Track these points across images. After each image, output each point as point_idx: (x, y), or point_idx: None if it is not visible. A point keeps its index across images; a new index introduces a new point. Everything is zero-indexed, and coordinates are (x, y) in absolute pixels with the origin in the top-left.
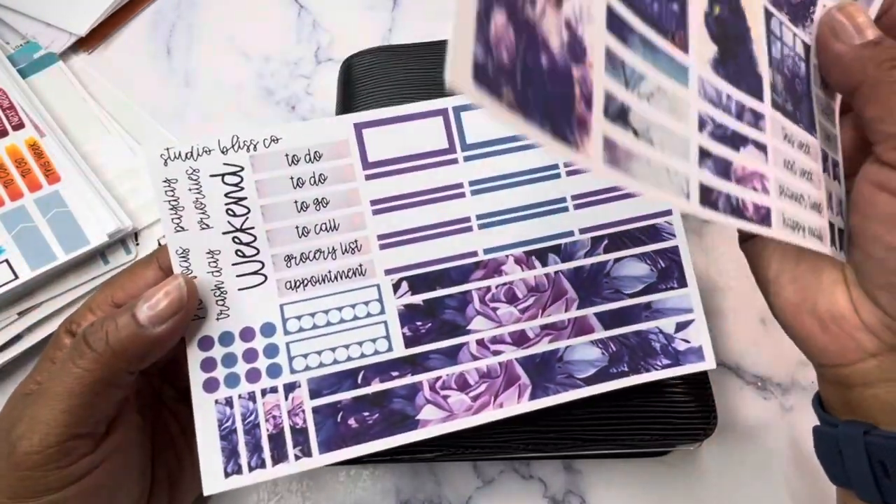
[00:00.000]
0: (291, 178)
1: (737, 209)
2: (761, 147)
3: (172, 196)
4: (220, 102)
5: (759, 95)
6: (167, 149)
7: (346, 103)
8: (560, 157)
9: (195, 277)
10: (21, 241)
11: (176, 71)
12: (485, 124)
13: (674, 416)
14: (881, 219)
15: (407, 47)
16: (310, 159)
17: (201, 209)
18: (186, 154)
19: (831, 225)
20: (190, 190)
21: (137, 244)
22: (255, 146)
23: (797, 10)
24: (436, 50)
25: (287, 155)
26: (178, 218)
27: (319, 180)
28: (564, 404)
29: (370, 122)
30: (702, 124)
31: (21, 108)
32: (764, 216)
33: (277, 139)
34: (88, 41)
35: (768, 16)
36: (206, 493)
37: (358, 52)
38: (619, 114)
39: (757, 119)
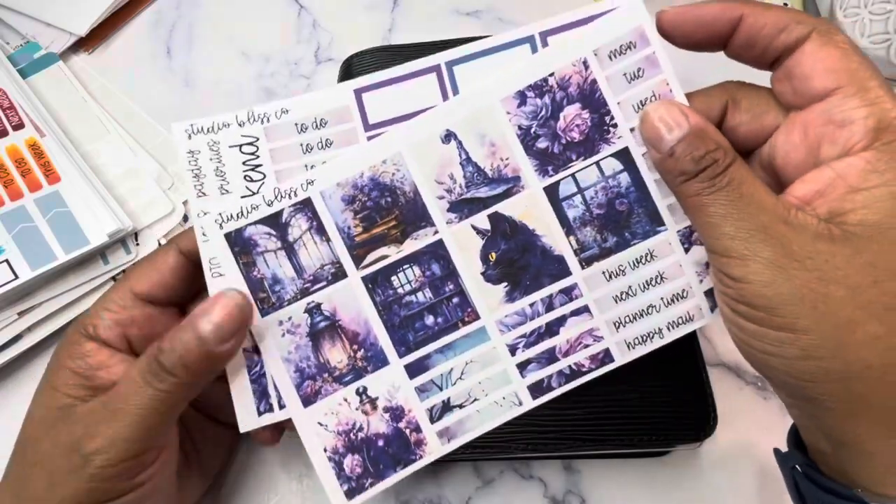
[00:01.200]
0: (301, 145)
1: (574, 373)
2: (582, 310)
3: (195, 165)
4: (220, 102)
5: (564, 273)
6: (191, 124)
7: None
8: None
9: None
10: (21, 241)
11: (176, 71)
12: (478, 75)
13: (674, 416)
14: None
15: (407, 47)
16: (316, 126)
17: (221, 176)
18: (208, 128)
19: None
20: (211, 160)
21: (137, 244)
22: (267, 118)
23: (586, 144)
24: (436, 50)
25: (296, 124)
26: (201, 185)
27: (326, 145)
28: (565, 404)
29: (368, 86)
30: (513, 350)
31: (21, 108)
32: (603, 358)
33: (287, 110)
34: (88, 41)
35: (552, 190)
36: (241, 430)
37: (358, 52)
38: (442, 410)
39: (569, 293)
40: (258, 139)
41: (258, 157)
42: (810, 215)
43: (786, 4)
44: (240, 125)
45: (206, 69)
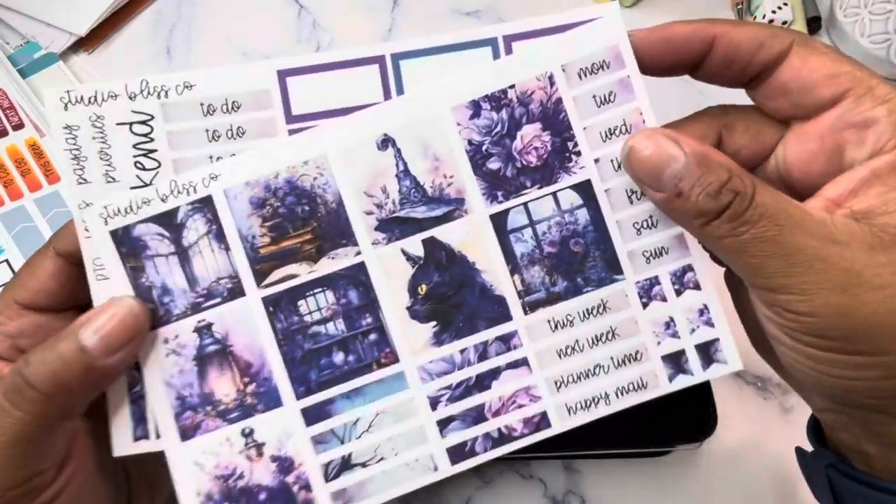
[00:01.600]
0: (206, 131)
1: (503, 437)
2: (520, 363)
3: (74, 145)
4: None
5: (504, 318)
6: (67, 91)
7: None
8: None
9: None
10: (21, 241)
11: (176, 71)
12: (427, 75)
13: (674, 416)
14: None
15: None
16: (227, 110)
17: (107, 160)
18: (90, 98)
19: (677, 354)
20: (94, 139)
21: None
22: (166, 93)
23: (544, 171)
24: None
25: (202, 104)
26: (81, 169)
27: (237, 134)
28: None
29: (296, 69)
30: (434, 403)
31: (21, 108)
32: (538, 423)
33: (191, 86)
34: (88, 41)
35: (500, 219)
36: (115, 454)
37: None
38: (341, 467)
39: (508, 341)
40: (153, 118)
41: (152, 139)
42: (850, 221)
43: (785, 4)
44: (130, 98)
45: None
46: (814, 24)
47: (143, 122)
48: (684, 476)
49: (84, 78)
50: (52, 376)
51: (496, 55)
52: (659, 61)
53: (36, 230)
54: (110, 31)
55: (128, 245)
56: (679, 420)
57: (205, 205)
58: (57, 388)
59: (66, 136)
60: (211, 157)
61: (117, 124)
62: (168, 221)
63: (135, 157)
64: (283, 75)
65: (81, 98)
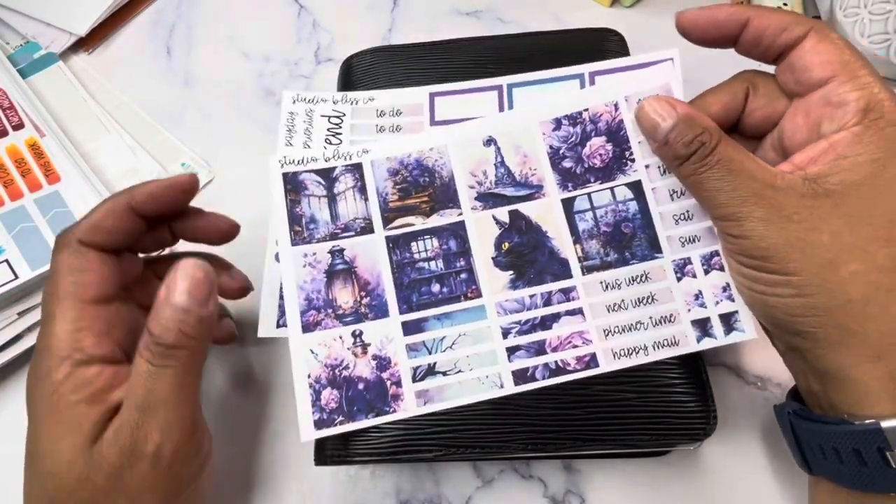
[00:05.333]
0: (376, 126)
1: (559, 369)
2: (576, 312)
3: (291, 123)
4: (219, 102)
5: (566, 275)
6: (297, 94)
7: None
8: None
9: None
10: (21, 241)
11: (176, 71)
12: (530, 100)
13: (674, 416)
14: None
15: (407, 47)
16: (393, 114)
17: (307, 135)
18: (309, 99)
19: (703, 320)
20: (304, 122)
21: None
22: (356, 102)
23: (605, 171)
24: (436, 50)
25: (377, 110)
26: (290, 137)
27: (395, 129)
28: (564, 404)
29: (442, 91)
30: (506, 333)
31: (21, 108)
32: (588, 362)
33: (373, 99)
34: (88, 41)
35: (568, 203)
36: (260, 335)
37: (358, 52)
38: (426, 373)
39: (568, 293)
40: (345, 115)
41: (340, 128)
42: (798, 177)
43: (785, 5)
44: (334, 102)
45: (206, 69)
46: None
47: (338, 117)
48: (684, 476)
49: (84, 78)
50: (180, 333)
51: (583, 85)
52: (704, 34)
53: (36, 230)
54: (110, 31)
55: (292, 184)
56: (679, 420)
57: (355, 168)
58: (187, 339)
59: (287, 117)
60: (375, 143)
61: (321, 116)
62: (326, 174)
63: (325, 136)
64: (432, 95)
65: (305, 98)
